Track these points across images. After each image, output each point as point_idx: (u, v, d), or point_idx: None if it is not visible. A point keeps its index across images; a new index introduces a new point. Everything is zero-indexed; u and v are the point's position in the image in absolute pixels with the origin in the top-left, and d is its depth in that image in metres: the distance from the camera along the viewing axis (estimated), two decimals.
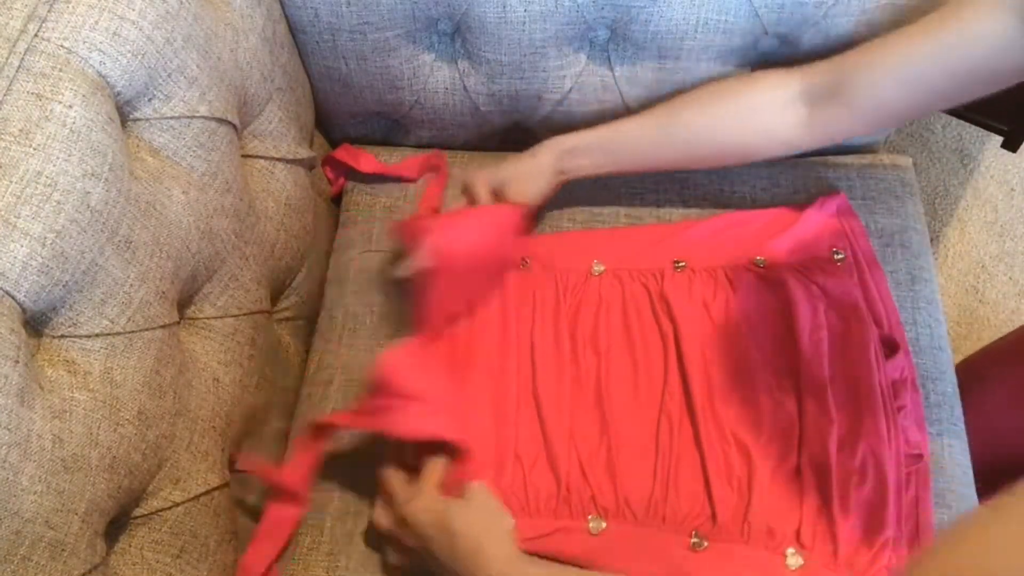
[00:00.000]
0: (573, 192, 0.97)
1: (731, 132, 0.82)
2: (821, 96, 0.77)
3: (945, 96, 0.73)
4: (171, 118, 0.69)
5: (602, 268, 0.90)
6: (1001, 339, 1.03)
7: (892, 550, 0.73)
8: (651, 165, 0.89)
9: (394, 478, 0.75)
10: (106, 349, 0.62)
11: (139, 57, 0.65)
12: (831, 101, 0.77)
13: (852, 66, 0.76)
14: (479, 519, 0.70)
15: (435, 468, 0.74)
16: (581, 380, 0.83)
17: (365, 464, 0.82)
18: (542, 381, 0.83)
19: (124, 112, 0.67)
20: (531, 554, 0.76)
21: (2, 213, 0.55)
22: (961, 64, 0.69)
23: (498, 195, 0.89)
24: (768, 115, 0.80)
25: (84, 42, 0.62)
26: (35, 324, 0.59)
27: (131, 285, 0.63)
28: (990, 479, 0.83)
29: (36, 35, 0.60)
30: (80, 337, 0.60)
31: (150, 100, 0.68)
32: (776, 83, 0.79)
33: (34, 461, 0.54)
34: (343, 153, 1.01)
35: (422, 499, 0.71)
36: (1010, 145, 1.26)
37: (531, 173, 0.88)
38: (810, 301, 0.85)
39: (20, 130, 0.57)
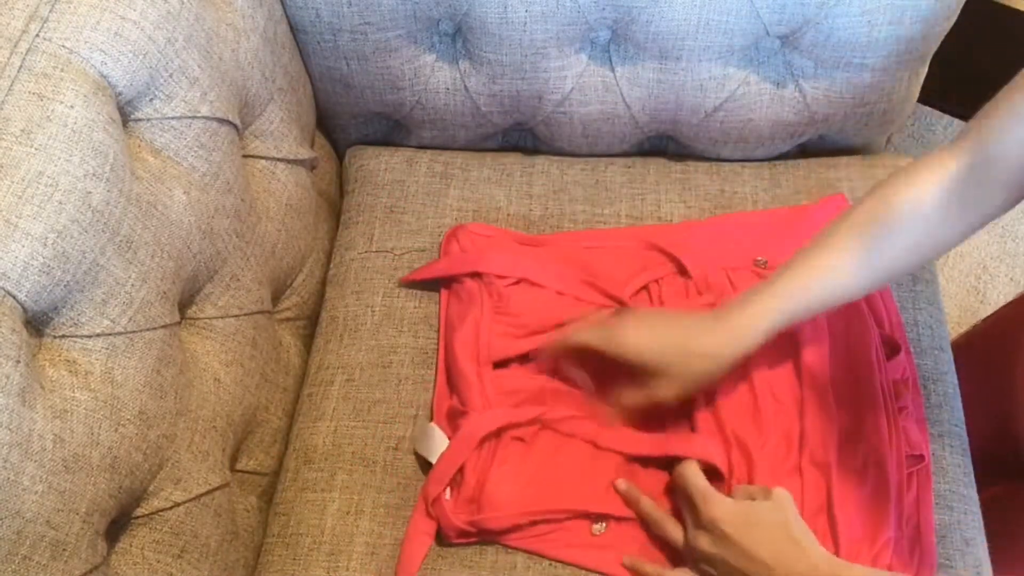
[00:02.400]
0: (573, 192, 0.97)
1: (921, 253, 0.72)
2: (966, 185, 0.66)
3: None
4: (172, 118, 0.69)
5: None
6: (960, 336, 1.03)
7: (893, 550, 0.73)
8: None
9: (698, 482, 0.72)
10: (107, 349, 0.62)
11: (140, 57, 0.65)
12: (977, 185, 0.66)
13: (985, 134, 0.65)
14: (787, 518, 0.68)
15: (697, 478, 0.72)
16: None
17: (367, 465, 0.82)
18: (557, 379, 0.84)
19: (125, 112, 0.67)
20: (531, 551, 0.76)
21: (4, 213, 0.55)
22: None
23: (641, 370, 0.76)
24: (927, 237, 0.69)
25: (86, 42, 0.62)
26: (36, 324, 0.59)
27: (132, 285, 0.64)
28: None
29: (38, 35, 0.60)
30: (81, 337, 0.60)
31: (151, 100, 0.68)
32: (917, 200, 0.68)
33: (35, 461, 0.54)
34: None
35: (724, 503, 0.70)
36: None
37: (692, 375, 0.74)
38: None
39: (22, 130, 0.57)
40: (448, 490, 0.78)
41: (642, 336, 0.74)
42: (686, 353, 0.73)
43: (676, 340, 0.74)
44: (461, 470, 0.78)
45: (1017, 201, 0.67)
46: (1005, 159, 0.64)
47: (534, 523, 0.76)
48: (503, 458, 0.78)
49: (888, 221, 0.69)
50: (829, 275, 0.72)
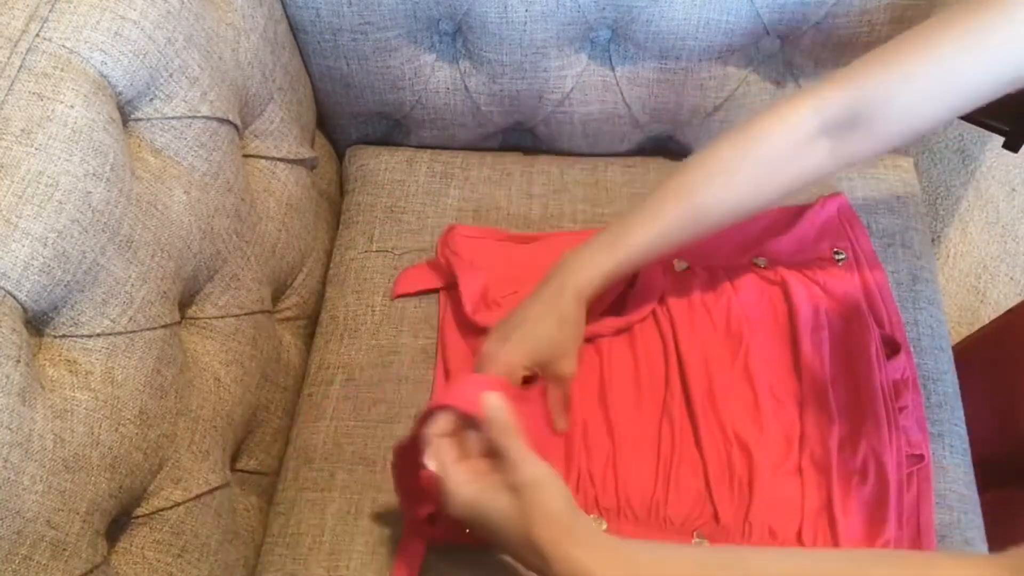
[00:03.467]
0: (573, 192, 0.97)
1: (761, 194, 0.73)
2: (842, 125, 0.68)
3: (985, 99, 0.63)
4: (172, 118, 0.69)
5: None
6: (964, 340, 1.03)
7: (893, 549, 0.73)
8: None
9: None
10: (107, 349, 0.62)
11: (141, 57, 0.65)
12: (854, 129, 0.67)
13: (872, 87, 0.66)
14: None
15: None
16: (586, 379, 0.83)
17: (367, 465, 0.82)
18: None
19: (125, 112, 0.67)
20: None
21: (4, 213, 0.55)
22: (1016, 63, 0.60)
23: (539, 371, 0.77)
24: (793, 164, 0.71)
25: (86, 42, 0.62)
26: (37, 324, 0.59)
27: (132, 285, 0.64)
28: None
29: (38, 35, 0.60)
30: (81, 337, 0.60)
31: (151, 100, 0.68)
32: (789, 125, 0.70)
33: (35, 461, 0.54)
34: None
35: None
36: (1011, 145, 1.26)
37: (569, 337, 0.76)
38: (811, 301, 0.85)
39: (22, 130, 0.57)
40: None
41: (514, 353, 0.74)
42: (551, 341, 0.75)
43: (537, 337, 0.75)
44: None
45: (898, 147, 0.70)
46: (883, 116, 0.66)
47: None
48: None
49: (750, 143, 0.71)
50: (651, 244, 0.74)
